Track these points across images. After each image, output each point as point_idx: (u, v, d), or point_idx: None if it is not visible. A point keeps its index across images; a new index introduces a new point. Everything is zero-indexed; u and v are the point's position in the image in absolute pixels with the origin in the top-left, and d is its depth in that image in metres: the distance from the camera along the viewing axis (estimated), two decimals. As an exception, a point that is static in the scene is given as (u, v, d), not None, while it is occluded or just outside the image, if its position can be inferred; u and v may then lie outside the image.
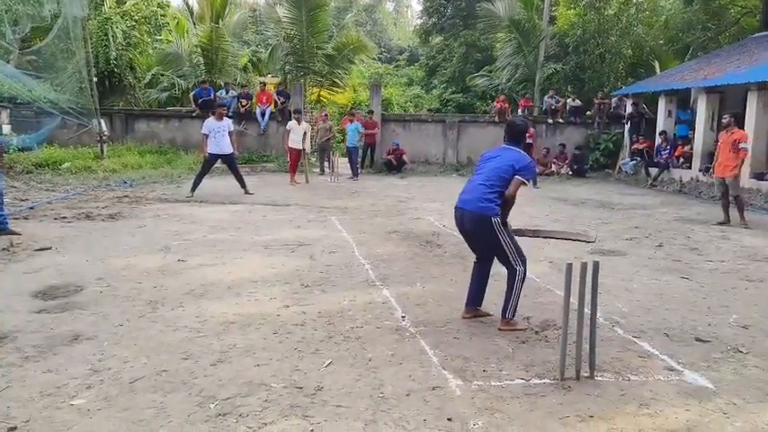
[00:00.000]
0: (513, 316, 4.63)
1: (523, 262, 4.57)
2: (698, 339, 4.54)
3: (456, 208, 4.75)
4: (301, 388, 3.56)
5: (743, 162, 9.76)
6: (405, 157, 17.99)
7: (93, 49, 17.41)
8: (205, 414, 3.24)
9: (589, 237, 4.46)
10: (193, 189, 11.58)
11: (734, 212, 9.82)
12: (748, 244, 8.22)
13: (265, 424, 3.14)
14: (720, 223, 9.74)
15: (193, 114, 17.99)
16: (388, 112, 22.72)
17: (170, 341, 4.27)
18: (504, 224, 4.55)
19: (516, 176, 4.50)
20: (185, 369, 3.80)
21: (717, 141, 10.04)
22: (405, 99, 30.35)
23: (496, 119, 19.02)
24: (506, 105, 19.35)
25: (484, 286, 4.90)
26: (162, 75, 21.34)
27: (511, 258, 4.54)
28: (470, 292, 4.92)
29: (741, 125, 11.33)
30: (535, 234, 4.98)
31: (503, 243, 4.51)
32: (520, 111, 19.37)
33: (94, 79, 16.44)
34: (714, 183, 10.30)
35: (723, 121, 9.86)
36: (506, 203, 4.58)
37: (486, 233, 4.54)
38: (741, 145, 9.44)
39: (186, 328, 4.52)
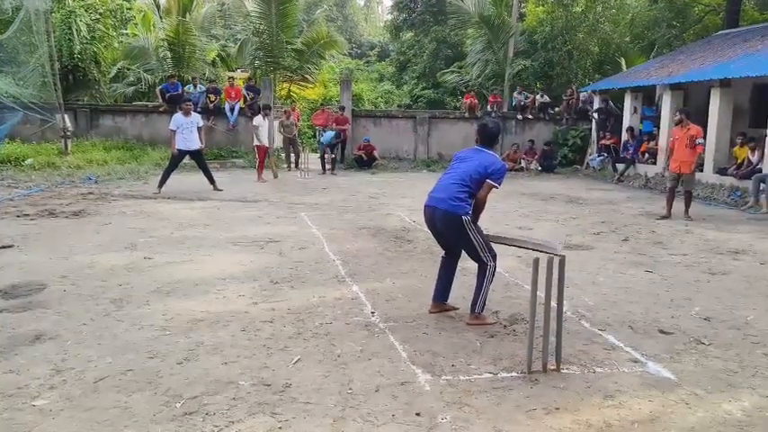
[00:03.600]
0: (483, 310, 4.66)
1: (494, 257, 4.61)
2: (661, 331, 4.63)
3: (426, 206, 4.77)
4: (269, 385, 3.54)
5: (700, 157, 9.93)
6: (375, 153, 17.97)
7: (57, 43, 17.01)
8: (171, 413, 3.20)
9: (555, 249, 4.47)
10: (160, 185, 11.41)
11: (678, 205, 9.97)
12: (711, 238, 8.41)
13: (233, 422, 3.11)
14: (663, 217, 9.87)
15: (160, 110, 17.70)
16: (359, 107, 22.68)
17: (135, 340, 4.20)
18: (475, 222, 4.59)
19: (488, 180, 4.56)
20: (151, 368, 3.75)
21: (671, 137, 10.20)
22: (375, 95, 30.32)
23: (466, 115, 19.13)
24: (476, 101, 19.46)
25: (451, 281, 4.94)
26: (128, 69, 20.94)
27: (482, 254, 4.58)
28: (437, 286, 4.95)
29: (699, 121, 11.58)
30: (501, 241, 4.98)
31: (473, 240, 4.55)
32: (489, 107, 19.50)
33: (58, 73, 16.05)
34: (667, 176, 10.45)
35: (675, 118, 10.06)
36: (477, 207, 4.66)
37: (456, 231, 4.58)
38: (698, 141, 9.60)
39: (152, 327, 4.46)
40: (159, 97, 18.09)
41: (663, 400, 3.49)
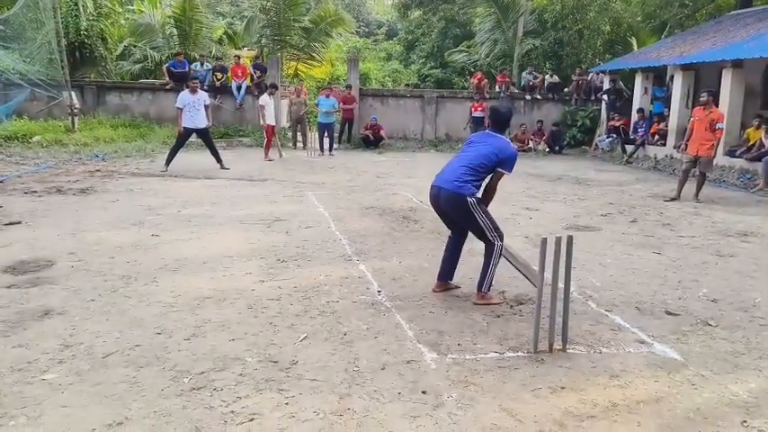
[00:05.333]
0: (489, 290, 4.66)
1: (501, 237, 4.60)
2: (668, 313, 4.62)
3: (433, 186, 4.75)
4: (276, 362, 3.56)
5: (719, 141, 9.86)
6: (382, 132, 17.87)
7: (63, 20, 16.92)
8: (179, 388, 3.22)
9: (535, 281, 4.24)
10: (167, 163, 11.41)
11: (689, 188, 9.94)
12: (719, 220, 8.36)
13: (240, 398, 3.13)
14: (672, 199, 9.81)
15: (167, 87, 17.64)
16: (366, 86, 22.54)
17: (143, 316, 4.23)
18: (480, 202, 4.57)
19: (498, 169, 4.57)
20: (159, 344, 3.77)
21: (690, 117, 10.08)
22: (383, 74, 30.09)
23: (475, 95, 18.98)
24: (484, 81, 19.29)
25: (456, 261, 4.96)
26: (134, 46, 20.85)
27: (488, 234, 4.56)
28: (443, 266, 4.96)
29: (716, 102, 11.46)
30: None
31: (479, 221, 4.54)
32: (498, 87, 19.34)
33: (64, 50, 16.01)
34: (682, 158, 10.32)
35: (701, 98, 9.85)
36: (488, 193, 4.69)
37: (461, 212, 4.57)
38: (718, 125, 9.50)
39: (160, 303, 4.48)
40: (166, 75, 18.01)
41: (669, 380, 3.49)
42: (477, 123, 17.36)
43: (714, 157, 9.89)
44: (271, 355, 3.65)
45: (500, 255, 4.61)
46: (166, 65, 18.24)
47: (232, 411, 3.00)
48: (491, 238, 4.57)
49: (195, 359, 3.57)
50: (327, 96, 16.27)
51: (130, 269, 5.31)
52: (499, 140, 4.67)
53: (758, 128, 12.50)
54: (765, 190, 10.89)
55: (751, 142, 12.62)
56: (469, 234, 4.83)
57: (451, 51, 25.09)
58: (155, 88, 18.37)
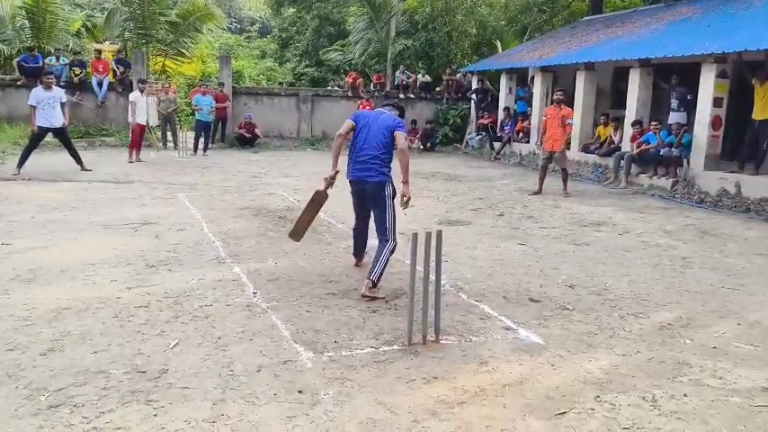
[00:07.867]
0: (379, 281, 4.83)
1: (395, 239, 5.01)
2: (531, 300, 4.92)
3: (358, 181, 5.00)
4: (144, 372, 3.39)
5: (569, 135, 10.62)
6: (257, 131, 17.55)
7: None
8: (35, 407, 2.99)
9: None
10: (20, 165, 10.52)
11: (551, 182, 10.67)
12: (576, 211, 9.01)
13: (103, 413, 2.95)
14: (535, 193, 10.48)
15: (18, 83, 16.26)
16: (240, 84, 22.02)
17: (-8, 332, 3.87)
18: (393, 195, 5.00)
19: (395, 131, 4.99)
20: (11, 361, 3.48)
21: (545, 116, 10.79)
22: (257, 72, 29.56)
23: (350, 93, 19.12)
24: (359, 80, 19.48)
25: (366, 238, 5.51)
26: (-19, 39, 19.03)
27: (388, 225, 4.94)
28: (357, 244, 5.61)
29: (570, 102, 12.31)
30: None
31: (388, 208, 4.97)
32: (372, 86, 19.60)
33: None
34: (541, 154, 11.01)
35: (556, 96, 10.53)
36: (405, 168, 4.98)
37: (379, 198, 4.97)
38: (568, 121, 10.26)
39: (12, 317, 4.12)
40: (17, 70, 16.60)
41: (531, 363, 3.72)
42: None
43: (564, 150, 10.57)
44: (138, 366, 3.47)
45: (393, 251, 4.92)
46: (17, 59, 16.79)
47: (94, 428, 2.82)
48: (388, 233, 4.91)
49: (53, 375, 3.32)
50: (204, 94, 15.71)
51: (-23, 282, 4.85)
52: (385, 115, 5.16)
53: (606, 125, 13.57)
54: (616, 183, 11.88)
55: (602, 139, 13.69)
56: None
57: (326, 50, 25.13)
58: (4, 84, 16.82)
